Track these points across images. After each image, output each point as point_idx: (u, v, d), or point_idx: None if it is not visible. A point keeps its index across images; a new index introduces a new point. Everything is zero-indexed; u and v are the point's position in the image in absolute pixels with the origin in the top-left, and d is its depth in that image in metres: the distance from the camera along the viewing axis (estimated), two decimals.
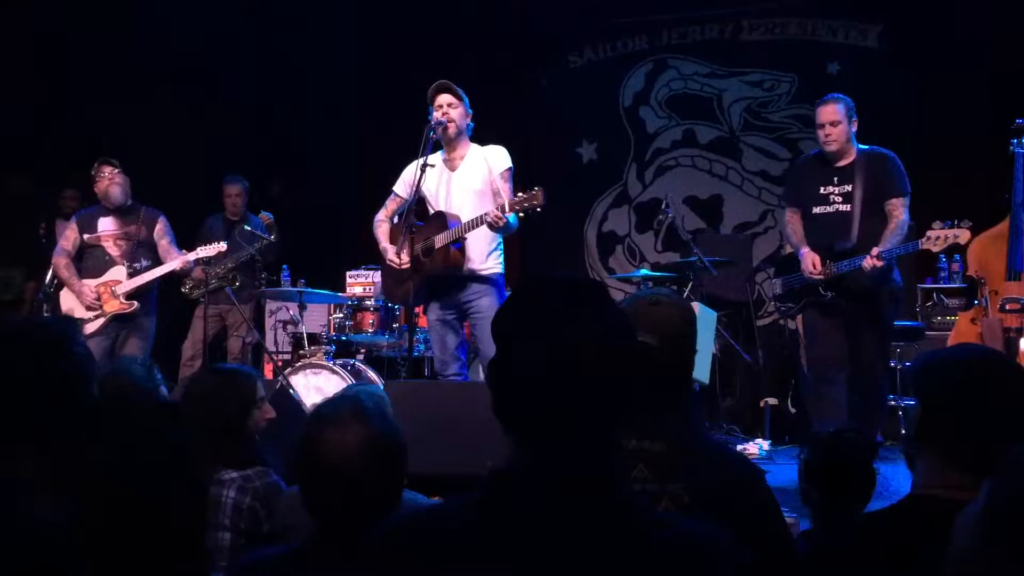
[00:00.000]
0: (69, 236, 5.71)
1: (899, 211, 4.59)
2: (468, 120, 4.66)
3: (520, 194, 4.23)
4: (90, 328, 5.40)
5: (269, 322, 7.27)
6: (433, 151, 4.62)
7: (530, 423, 1.20)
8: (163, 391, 2.59)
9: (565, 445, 1.18)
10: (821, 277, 4.63)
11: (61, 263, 5.64)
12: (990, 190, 5.27)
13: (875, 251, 4.43)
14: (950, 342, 4.98)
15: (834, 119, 4.66)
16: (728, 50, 7.88)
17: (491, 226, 4.29)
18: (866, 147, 4.76)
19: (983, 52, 6.62)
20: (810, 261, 4.68)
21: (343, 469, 1.66)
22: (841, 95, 4.76)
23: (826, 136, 4.68)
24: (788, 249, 5.14)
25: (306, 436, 1.73)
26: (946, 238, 4.38)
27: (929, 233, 4.42)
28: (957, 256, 6.10)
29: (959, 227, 4.38)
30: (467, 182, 4.60)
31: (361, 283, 6.95)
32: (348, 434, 1.68)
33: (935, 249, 4.44)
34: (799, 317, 5.01)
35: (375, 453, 1.68)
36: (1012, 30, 6.50)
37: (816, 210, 4.77)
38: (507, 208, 4.20)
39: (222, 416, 2.49)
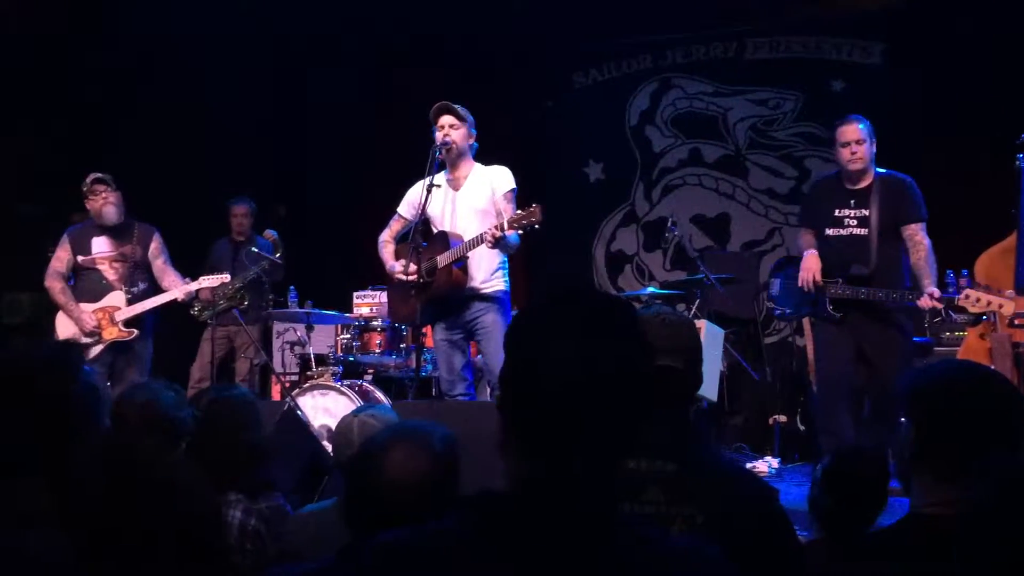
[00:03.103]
0: (62, 257, 5.44)
1: (920, 237, 4.57)
2: (471, 141, 4.68)
3: (518, 211, 4.25)
4: (87, 355, 5.25)
5: (277, 343, 7.28)
6: (438, 171, 4.64)
7: (535, 427, 1.19)
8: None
9: (566, 460, 1.17)
10: (808, 281, 4.55)
11: (56, 287, 5.39)
12: (996, 205, 5.25)
13: (933, 292, 4.39)
14: (959, 357, 4.96)
15: (859, 137, 4.62)
16: (732, 69, 7.90)
17: (489, 244, 4.30)
18: (883, 171, 4.72)
19: (987, 68, 6.63)
20: (810, 273, 4.57)
21: (399, 486, 1.68)
22: (861, 116, 4.73)
23: (852, 154, 4.62)
24: None
25: (376, 442, 1.76)
26: (988, 303, 4.26)
27: (968, 292, 4.32)
28: (965, 271, 6.08)
29: (1003, 296, 4.26)
30: (470, 202, 4.62)
31: (368, 303, 6.95)
32: (419, 459, 1.71)
33: (972, 309, 4.33)
34: (808, 333, 4.94)
35: (433, 487, 1.70)
36: (1015, 46, 6.52)
37: (829, 232, 4.71)
38: (506, 226, 4.22)
39: (240, 438, 2.50)
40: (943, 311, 5.67)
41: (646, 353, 1.25)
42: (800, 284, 4.62)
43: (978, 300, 4.29)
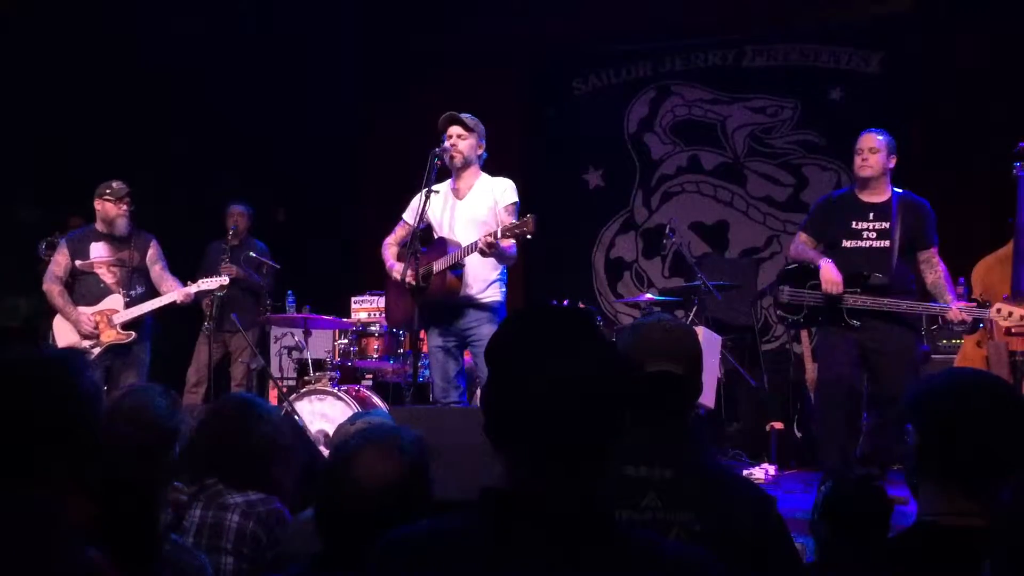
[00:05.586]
0: (60, 261, 5.47)
1: (937, 260, 4.66)
2: (479, 151, 4.67)
3: (512, 221, 4.25)
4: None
5: (274, 348, 7.27)
6: (441, 179, 4.64)
7: (523, 446, 1.22)
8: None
9: (556, 469, 1.20)
10: (836, 292, 4.52)
11: (55, 290, 5.42)
12: (993, 213, 5.26)
13: (958, 307, 4.48)
14: (956, 365, 4.97)
15: (872, 146, 4.68)
16: (731, 76, 7.91)
17: (482, 252, 4.29)
18: (900, 191, 4.75)
19: (985, 77, 6.64)
20: (834, 286, 4.53)
21: (369, 490, 1.69)
22: (885, 131, 4.79)
23: (863, 161, 4.69)
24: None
25: (345, 447, 1.78)
26: (1021, 316, 4.36)
27: (999, 306, 4.41)
28: (962, 279, 6.10)
29: None
30: (471, 212, 4.62)
31: (366, 309, 6.96)
32: (389, 461, 1.73)
33: (1003, 323, 4.44)
34: (804, 341, 4.91)
35: (402, 488, 1.71)
36: (1014, 55, 6.54)
37: (847, 243, 4.70)
38: (499, 235, 4.21)
39: (250, 439, 2.50)
40: (940, 318, 5.68)
41: (619, 365, 1.28)
42: (824, 293, 4.57)
43: (1010, 314, 4.38)
